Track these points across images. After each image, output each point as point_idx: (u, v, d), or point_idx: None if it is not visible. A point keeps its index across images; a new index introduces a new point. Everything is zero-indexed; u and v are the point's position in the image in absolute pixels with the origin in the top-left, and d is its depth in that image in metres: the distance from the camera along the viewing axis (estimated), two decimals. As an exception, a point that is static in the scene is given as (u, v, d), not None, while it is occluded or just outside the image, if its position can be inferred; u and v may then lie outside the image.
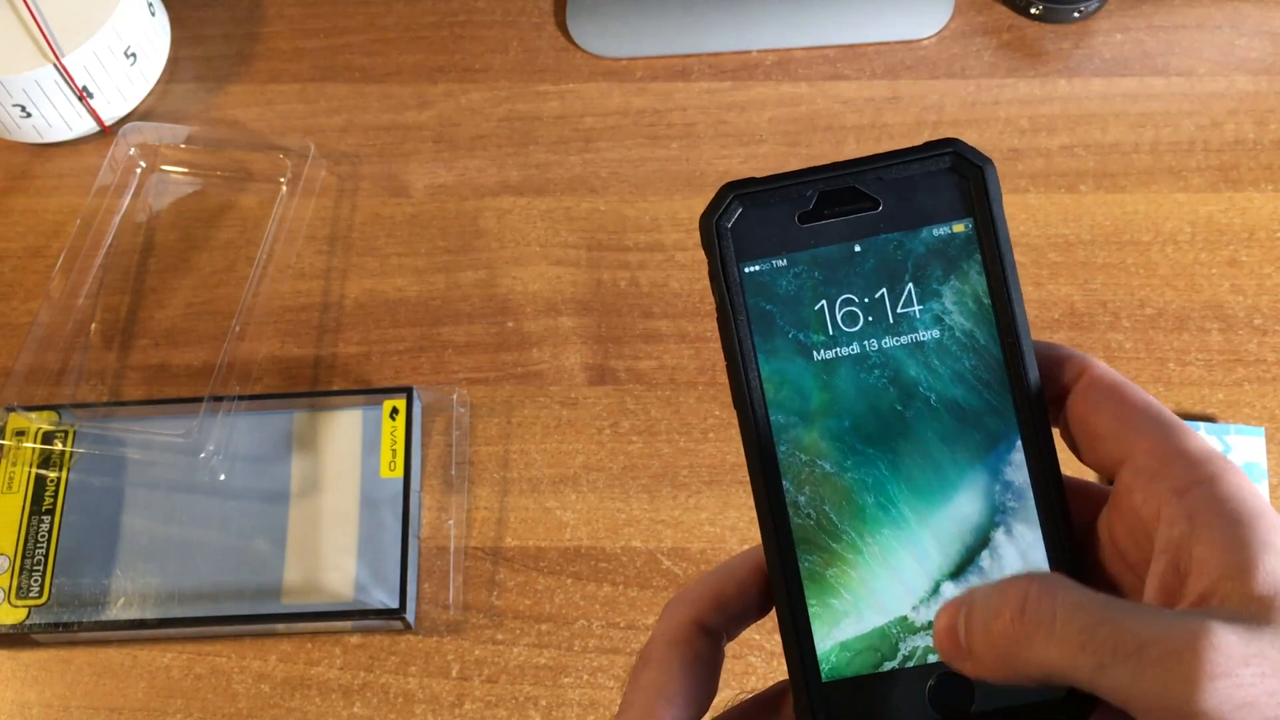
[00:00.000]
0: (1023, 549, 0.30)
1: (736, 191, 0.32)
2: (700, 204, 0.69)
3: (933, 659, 0.30)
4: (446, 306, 0.67)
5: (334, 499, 0.61)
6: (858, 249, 0.32)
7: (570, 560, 0.61)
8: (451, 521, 0.61)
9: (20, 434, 0.62)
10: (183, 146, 0.72)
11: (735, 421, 0.68)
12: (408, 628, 0.59)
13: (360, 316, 0.67)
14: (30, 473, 0.62)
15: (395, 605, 0.58)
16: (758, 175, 0.32)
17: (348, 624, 0.59)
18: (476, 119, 0.73)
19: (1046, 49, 0.73)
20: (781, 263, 0.32)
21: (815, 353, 0.31)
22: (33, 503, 0.61)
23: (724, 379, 0.64)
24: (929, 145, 0.31)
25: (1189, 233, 0.67)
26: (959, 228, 0.31)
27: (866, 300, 0.31)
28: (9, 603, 0.59)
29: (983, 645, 0.27)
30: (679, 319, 0.66)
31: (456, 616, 0.60)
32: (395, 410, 0.62)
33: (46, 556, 0.60)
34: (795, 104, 0.73)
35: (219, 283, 0.69)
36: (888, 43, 0.74)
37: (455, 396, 0.64)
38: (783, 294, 0.32)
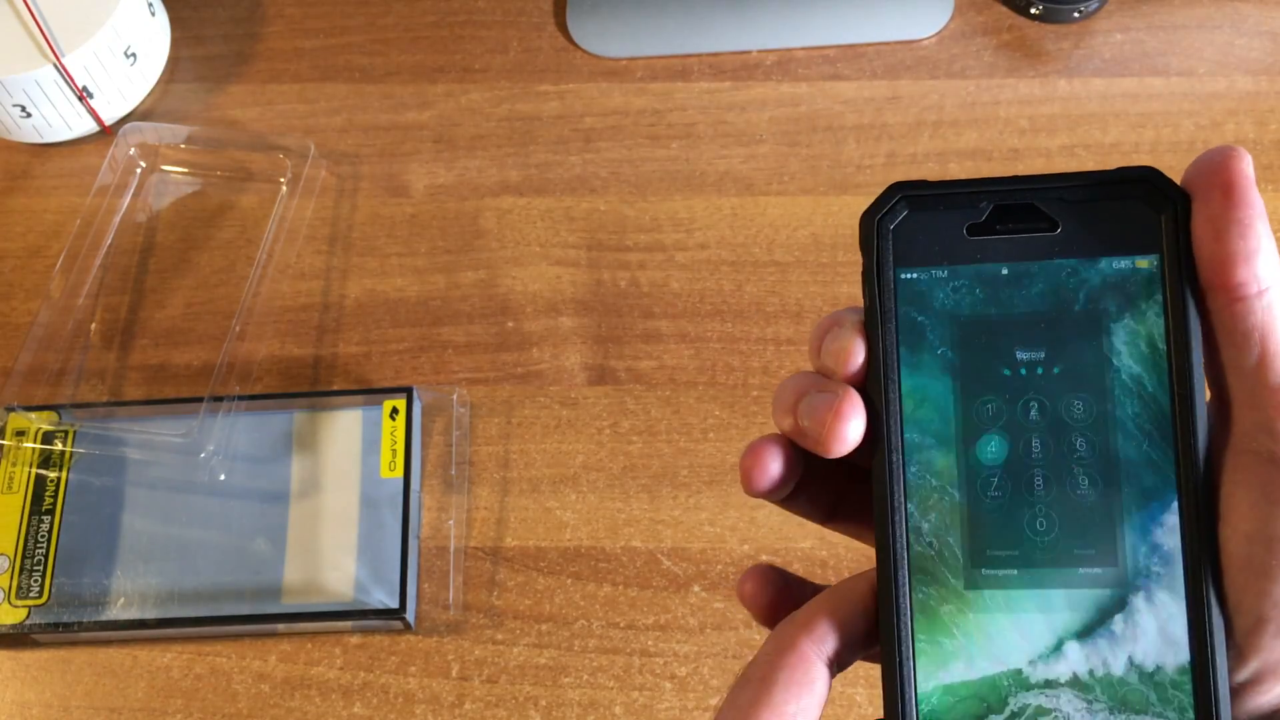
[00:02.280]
0: (1162, 620, 0.28)
1: (904, 192, 0.30)
2: (700, 204, 0.69)
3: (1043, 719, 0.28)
4: (446, 306, 0.67)
5: (334, 499, 0.61)
6: (1027, 271, 0.29)
7: (570, 560, 0.61)
8: (451, 521, 0.61)
9: (20, 434, 0.62)
10: (183, 146, 0.72)
11: (735, 422, 0.68)
12: (408, 628, 0.59)
13: (360, 316, 0.67)
14: (30, 473, 0.62)
15: (395, 605, 0.58)
16: (929, 179, 0.30)
17: (348, 624, 0.59)
18: (476, 119, 0.73)
19: (1046, 49, 0.73)
20: (942, 274, 0.30)
21: (963, 374, 0.29)
22: (33, 503, 0.61)
23: (724, 379, 0.64)
24: (1122, 171, 0.29)
25: (1189, 233, 0.67)
26: (1143, 263, 0.29)
27: (1027, 327, 0.29)
28: (9, 603, 0.59)
29: None
30: (679, 319, 0.66)
31: (456, 616, 0.60)
32: (395, 410, 0.62)
33: (46, 556, 0.60)
34: (795, 104, 0.73)
35: (219, 283, 0.69)
36: (888, 43, 0.74)
37: (455, 396, 0.64)
38: (938, 307, 0.29)
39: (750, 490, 0.32)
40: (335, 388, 0.65)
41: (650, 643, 0.59)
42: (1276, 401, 0.26)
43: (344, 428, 0.63)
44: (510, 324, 0.67)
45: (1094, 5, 0.74)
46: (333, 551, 0.60)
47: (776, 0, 0.75)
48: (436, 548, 0.61)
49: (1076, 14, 0.74)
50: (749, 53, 0.74)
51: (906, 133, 0.71)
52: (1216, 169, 0.27)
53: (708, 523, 0.61)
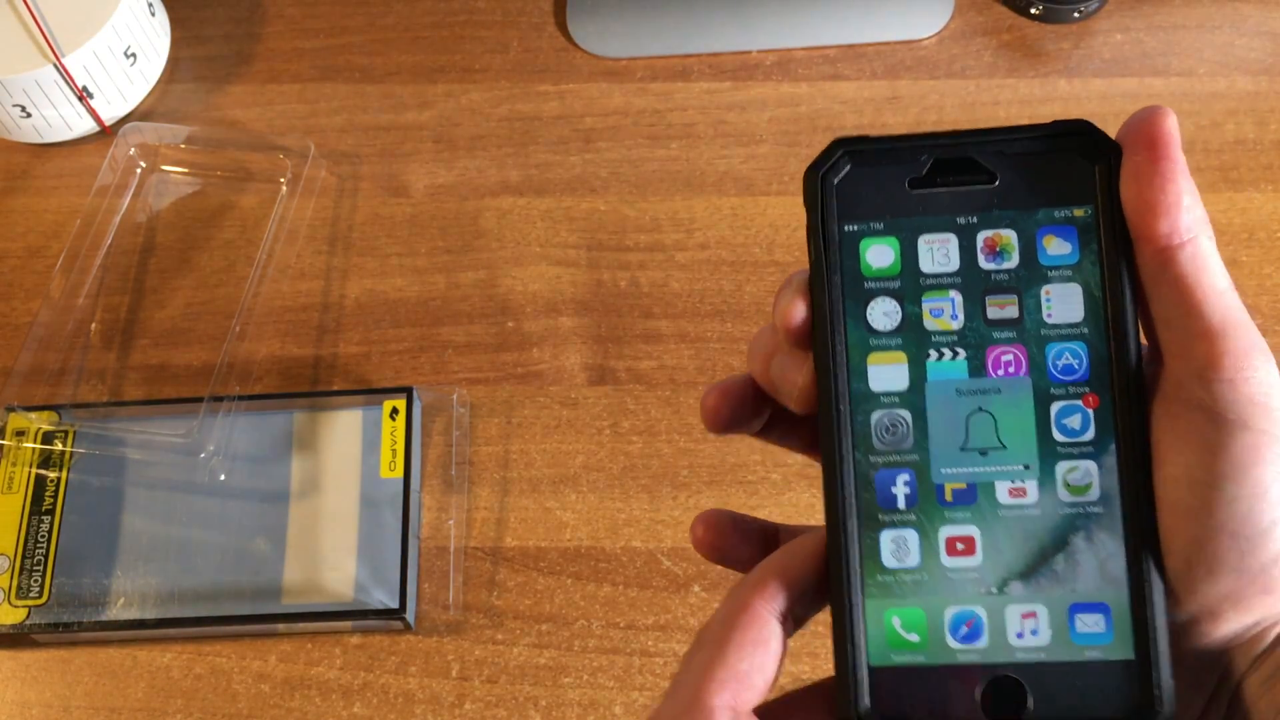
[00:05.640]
0: (1101, 558, 0.28)
1: (847, 148, 0.30)
2: (700, 204, 0.69)
3: (989, 660, 0.29)
4: (446, 306, 0.67)
5: (334, 499, 0.61)
6: (967, 223, 0.30)
7: (570, 560, 0.61)
8: (451, 521, 0.61)
9: (20, 434, 0.62)
10: (183, 146, 0.72)
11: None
12: (408, 628, 0.59)
13: (360, 316, 0.67)
14: (30, 473, 0.62)
15: (395, 605, 0.58)
16: (870, 134, 0.31)
17: (348, 624, 0.59)
18: (476, 119, 0.73)
19: (1046, 49, 0.73)
20: (883, 227, 0.30)
21: (907, 325, 0.30)
22: (33, 503, 0.61)
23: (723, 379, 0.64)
24: (1057, 124, 0.30)
25: (1189, 233, 0.67)
26: (1079, 213, 0.29)
27: (968, 277, 0.30)
28: (9, 603, 0.59)
29: None
30: (679, 319, 0.66)
31: (456, 616, 0.60)
32: (395, 410, 0.62)
33: (46, 556, 0.60)
34: (795, 104, 0.73)
35: (219, 283, 0.69)
36: (888, 43, 0.74)
37: (455, 396, 0.64)
38: (881, 260, 0.30)
39: (712, 430, 0.33)
40: (335, 388, 0.65)
41: (650, 643, 0.59)
42: (1201, 351, 0.27)
43: (344, 428, 0.63)
44: (510, 324, 0.67)
45: (1094, 5, 0.74)
46: (333, 551, 0.60)
47: (776, 0, 0.75)
48: (436, 548, 0.61)
49: (1076, 14, 0.74)
50: (749, 53, 0.74)
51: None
52: (1142, 126, 0.28)
53: (708, 523, 0.61)
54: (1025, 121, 0.73)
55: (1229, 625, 0.28)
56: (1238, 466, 0.26)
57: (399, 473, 0.61)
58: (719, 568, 0.60)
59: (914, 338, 0.30)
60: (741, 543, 0.33)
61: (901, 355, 0.30)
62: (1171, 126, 0.28)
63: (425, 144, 0.73)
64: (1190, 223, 0.28)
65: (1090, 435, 0.29)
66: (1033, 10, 0.74)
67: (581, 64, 0.75)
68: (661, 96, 0.73)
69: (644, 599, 0.60)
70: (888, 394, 0.30)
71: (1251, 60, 0.73)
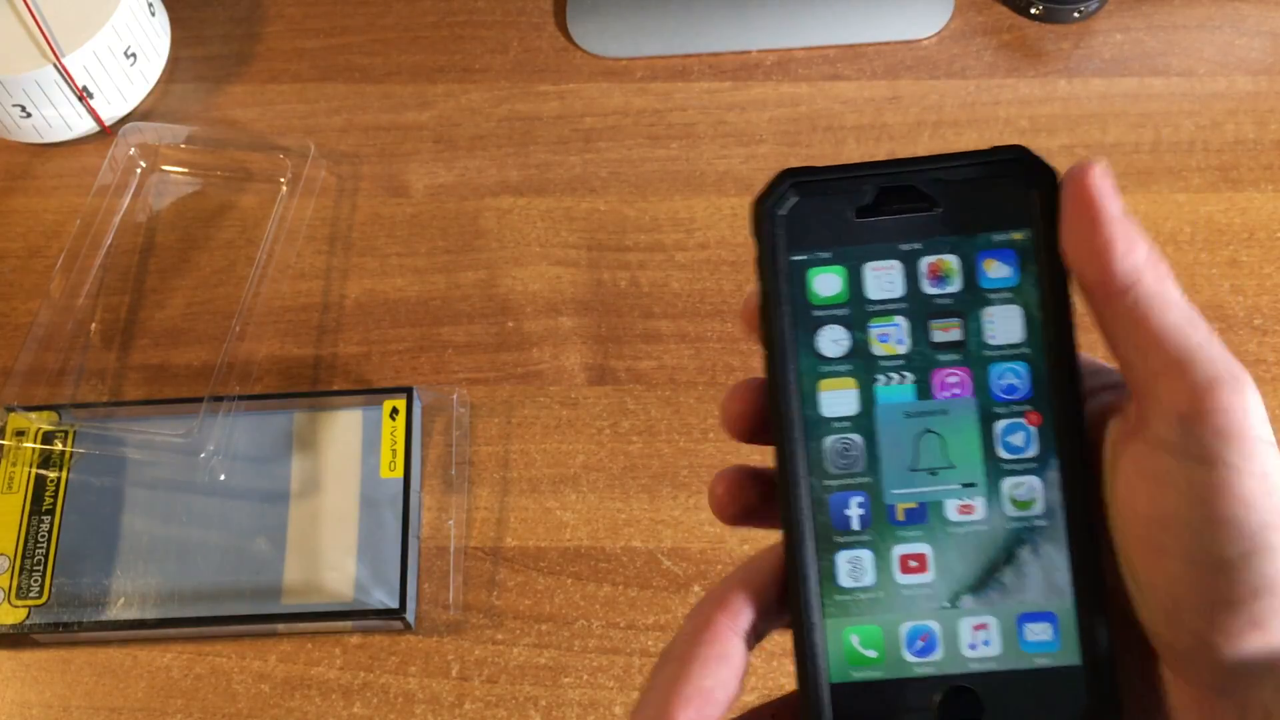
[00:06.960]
0: (1047, 570, 0.29)
1: (794, 179, 0.31)
2: (700, 204, 0.69)
3: (944, 671, 0.29)
4: (446, 306, 0.67)
5: (334, 499, 0.61)
6: (911, 249, 0.31)
7: (570, 560, 0.61)
8: (451, 521, 0.61)
9: (20, 434, 0.62)
10: (183, 146, 0.72)
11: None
12: (408, 628, 0.59)
13: (360, 316, 0.67)
14: (30, 473, 0.62)
15: (395, 605, 0.58)
16: (815, 165, 0.31)
17: (348, 624, 0.59)
18: (476, 119, 0.73)
19: (1046, 49, 0.73)
20: (831, 256, 0.31)
21: (855, 351, 0.31)
22: (33, 503, 0.61)
23: (724, 379, 0.64)
24: (995, 150, 0.31)
25: (1189, 233, 0.67)
26: (1017, 236, 0.30)
27: (914, 303, 0.31)
28: (9, 603, 0.59)
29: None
30: (679, 319, 0.66)
31: (456, 616, 0.60)
32: (395, 410, 0.62)
33: (46, 556, 0.60)
34: (795, 104, 0.73)
35: (219, 283, 0.69)
36: (888, 43, 0.74)
37: (455, 396, 0.64)
38: (829, 289, 0.31)
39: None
40: (335, 388, 0.65)
41: (650, 643, 0.59)
42: (1161, 390, 0.27)
43: (344, 428, 0.63)
44: (510, 324, 0.67)
45: (1094, 5, 0.74)
46: (333, 551, 0.60)
47: (776, 0, 0.75)
48: (436, 548, 0.61)
49: (1076, 14, 0.74)
50: (749, 53, 0.74)
51: (906, 133, 0.71)
52: (1069, 178, 0.29)
53: (708, 523, 0.61)
54: (1023, 127, 0.73)
55: (1224, 656, 0.28)
56: (1194, 503, 0.27)
57: (399, 473, 0.61)
58: (719, 567, 0.60)
59: (863, 363, 0.31)
60: (760, 495, 0.33)
61: (851, 381, 0.31)
62: (1096, 178, 0.28)
63: (425, 144, 0.73)
64: (1128, 269, 0.28)
65: (1034, 452, 0.30)
66: (1033, 10, 0.74)
67: (581, 64, 0.75)
68: (661, 96, 0.73)
69: (644, 599, 0.60)
70: (839, 419, 0.31)
71: (1251, 60, 0.73)
